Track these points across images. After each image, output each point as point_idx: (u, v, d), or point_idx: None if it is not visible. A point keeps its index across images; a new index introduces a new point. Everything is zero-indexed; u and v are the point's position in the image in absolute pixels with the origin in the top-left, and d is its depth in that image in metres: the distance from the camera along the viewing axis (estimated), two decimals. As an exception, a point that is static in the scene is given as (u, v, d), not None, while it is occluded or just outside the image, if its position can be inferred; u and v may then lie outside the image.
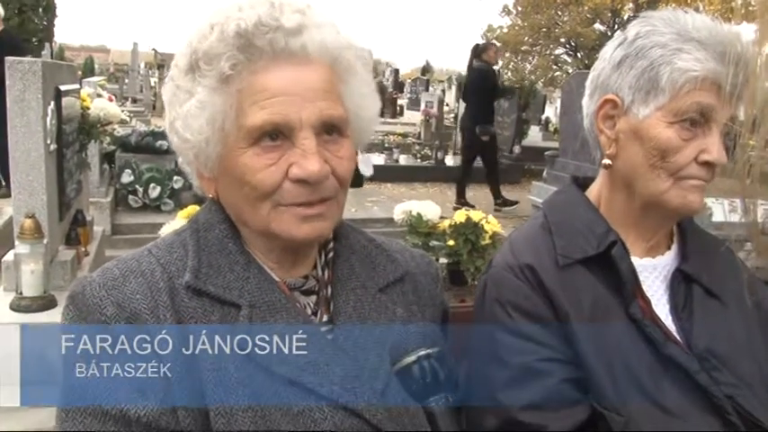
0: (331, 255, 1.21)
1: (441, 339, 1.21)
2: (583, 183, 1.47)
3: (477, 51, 10.34)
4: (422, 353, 1.00)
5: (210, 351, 1.02)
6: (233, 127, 1.03)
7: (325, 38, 1.06)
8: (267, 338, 1.04)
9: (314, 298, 1.17)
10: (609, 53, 1.33)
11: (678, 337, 1.28)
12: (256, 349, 1.03)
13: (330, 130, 1.06)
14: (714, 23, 1.25)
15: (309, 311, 1.15)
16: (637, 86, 1.27)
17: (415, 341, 1.03)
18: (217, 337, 1.03)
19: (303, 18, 1.04)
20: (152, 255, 1.11)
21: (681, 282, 1.34)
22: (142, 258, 1.10)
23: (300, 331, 1.07)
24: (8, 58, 3.95)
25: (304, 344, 1.06)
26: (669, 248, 1.40)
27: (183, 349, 1.01)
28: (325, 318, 1.16)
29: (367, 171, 10.19)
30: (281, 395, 1.02)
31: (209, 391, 0.99)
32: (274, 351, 1.04)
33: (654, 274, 1.36)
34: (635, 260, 1.32)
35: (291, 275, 1.15)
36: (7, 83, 3.86)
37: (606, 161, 1.35)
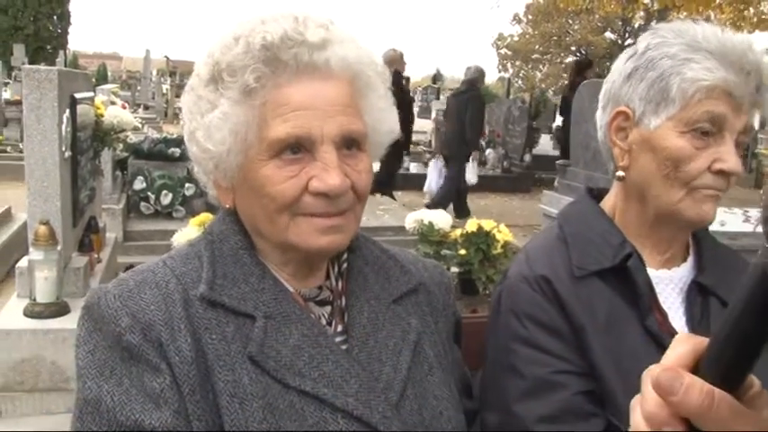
0: (345, 266, 1.21)
1: (459, 362, 1.22)
2: (597, 194, 1.47)
3: (582, 67, 10.22)
4: None
5: (225, 362, 1.02)
6: (255, 139, 1.04)
7: (348, 53, 1.07)
8: (282, 350, 1.05)
9: (328, 308, 1.17)
10: (620, 66, 1.34)
11: (694, 350, 1.27)
12: (271, 361, 1.03)
13: (350, 144, 1.07)
14: (724, 33, 1.25)
15: (324, 322, 1.15)
16: (647, 97, 1.27)
17: None
18: (231, 349, 1.03)
19: (327, 33, 1.05)
20: (167, 266, 1.11)
21: (697, 294, 1.34)
22: (157, 269, 1.10)
23: (315, 343, 1.07)
24: (24, 67, 3.98)
25: (319, 355, 1.07)
26: (685, 260, 1.40)
27: (198, 361, 1.01)
28: (339, 328, 1.16)
29: (473, 179, 10.34)
30: (296, 407, 1.02)
31: (223, 403, 1.00)
32: (289, 363, 1.04)
33: (670, 286, 1.35)
34: (651, 272, 1.31)
35: (306, 286, 1.15)
36: (24, 91, 3.91)
37: (620, 173, 1.35)
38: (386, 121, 1.17)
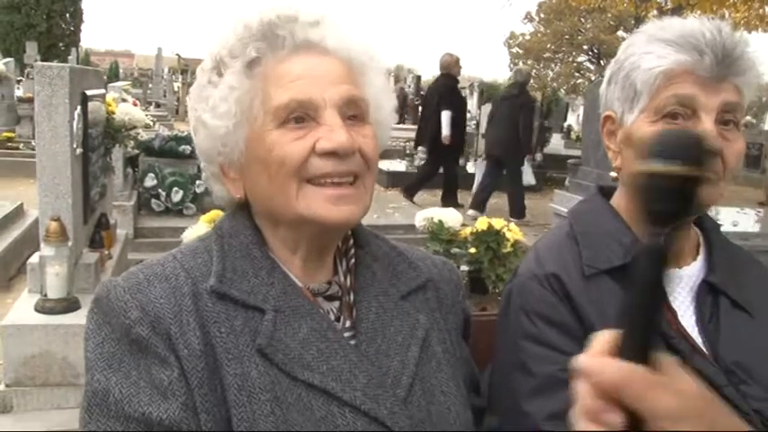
0: (353, 261, 1.21)
1: (467, 359, 1.23)
2: (608, 192, 1.46)
3: None
4: None
5: (233, 356, 1.02)
6: (260, 111, 1.07)
7: (343, 34, 1.12)
8: (290, 343, 1.05)
9: (337, 304, 1.17)
10: (606, 73, 1.39)
11: (705, 350, 1.27)
12: (279, 354, 1.03)
13: (353, 111, 1.10)
14: (689, 21, 1.27)
15: (332, 317, 1.15)
16: (622, 97, 1.32)
17: None
18: (240, 342, 1.03)
19: (320, 16, 1.12)
20: (176, 260, 1.11)
21: (707, 293, 1.33)
22: (167, 263, 1.11)
23: (324, 337, 1.08)
24: (36, 64, 4.00)
25: (327, 349, 1.07)
26: (695, 259, 1.39)
27: (206, 354, 1.01)
28: (347, 323, 1.16)
29: (531, 180, 10.45)
30: (304, 401, 1.02)
31: (231, 396, 1.00)
32: (297, 356, 1.04)
33: (680, 284, 1.34)
34: (661, 271, 1.30)
35: (314, 281, 1.15)
36: (35, 88, 3.93)
37: (613, 173, 1.40)
38: (387, 100, 1.20)
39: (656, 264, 0.69)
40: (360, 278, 1.20)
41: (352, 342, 1.12)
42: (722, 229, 1.44)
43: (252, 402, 1.00)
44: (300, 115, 1.06)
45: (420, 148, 11.30)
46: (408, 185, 10.66)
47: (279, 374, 1.03)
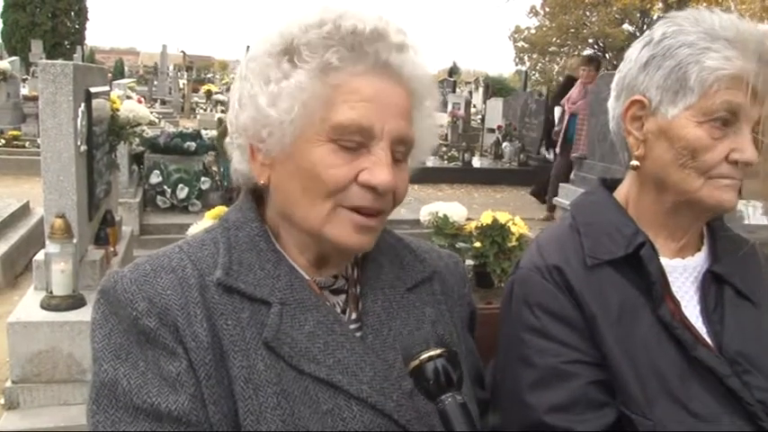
0: (360, 254, 1.21)
1: (454, 340, 1.21)
2: (611, 184, 1.45)
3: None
4: (432, 353, 1.00)
5: (240, 348, 1.02)
6: (319, 118, 1.04)
7: (418, 64, 1.10)
8: (297, 336, 1.05)
9: (343, 297, 1.17)
10: (635, 54, 1.32)
11: (708, 340, 1.26)
12: (286, 347, 1.03)
13: (400, 149, 1.09)
14: (741, 22, 1.23)
15: (339, 310, 1.15)
16: (665, 86, 1.25)
17: (426, 342, 1.02)
18: (247, 335, 1.03)
19: (406, 39, 1.09)
20: (183, 251, 1.11)
21: (712, 283, 1.32)
22: (173, 255, 1.10)
23: (330, 330, 1.08)
24: (40, 61, 4.00)
25: (334, 342, 1.07)
26: (699, 250, 1.38)
27: (213, 346, 1.01)
28: (353, 316, 1.16)
29: None
30: (310, 394, 1.02)
31: (237, 389, 1.00)
32: (304, 349, 1.04)
33: (684, 275, 1.34)
34: (664, 261, 1.30)
35: (321, 275, 1.15)
36: (39, 85, 3.92)
37: (634, 162, 1.33)
38: (428, 139, 1.19)
39: None
40: (366, 271, 1.20)
41: (359, 335, 1.12)
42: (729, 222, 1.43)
43: (258, 395, 1.00)
44: (356, 138, 1.04)
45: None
46: (541, 188, 10.59)
47: (285, 367, 1.03)
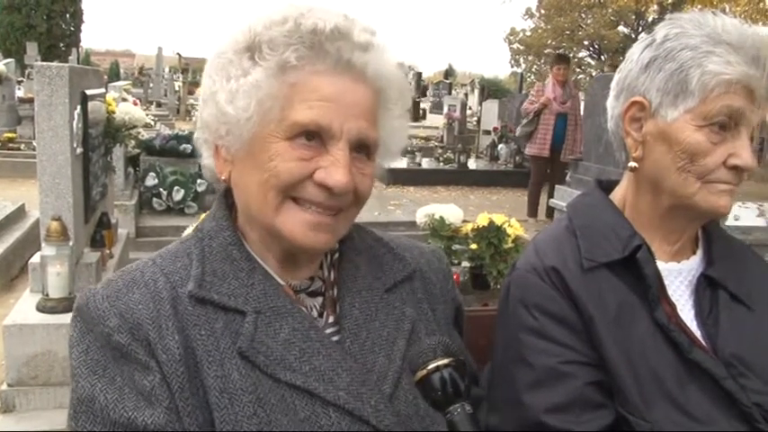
0: (336, 255, 1.21)
1: (460, 349, 1.20)
2: (607, 186, 1.46)
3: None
4: (440, 363, 1.00)
5: (214, 358, 1.02)
6: (277, 116, 1.03)
7: (384, 65, 1.09)
8: (272, 344, 1.05)
9: (320, 299, 1.17)
10: (636, 55, 1.31)
11: (704, 343, 1.26)
12: (261, 356, 1.03)
13: (361, 149, 1.08)
14: (744, 26, 1.23)
15: (316, 313, 1.15)
16: (665, 89, 1.25)
17: (433, 351, 1.01)
18: (221, 344, 1.03)
19: (372, 38, 1.08)
20: (156, 264, 1.11)
21: (706, 287, 1.33)
22: (146, 269, 1.10)
23: (306, 336, 1.07)
24: (36, 63, 4.00)
25: (310, 349, 1.07)
26: (694, 253, 1.39)
27: (187, 358, 1.01)
28: (331, 320, 1.16)
29: None
30: (287, 402, 1.02)
31: (212, 398, 1.00)
32: (279, 357, 1.04)
33: (679, 278, 1.34)
34: (660, 264, 1.30)
35: (296, 278, 1.15)
36: (35, 87, 3.92)
37: (632, 164, 1.33)
38: (396, 140, 1.18)
39: None
40: (343, 272, 1.19)
41: (336, 339, 1.12)
42: (725, 223, 1.43)
43: (234, 404, 1.00)
44: (314, 137, 1.03)
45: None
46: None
47: (261, 376, 1.03)
